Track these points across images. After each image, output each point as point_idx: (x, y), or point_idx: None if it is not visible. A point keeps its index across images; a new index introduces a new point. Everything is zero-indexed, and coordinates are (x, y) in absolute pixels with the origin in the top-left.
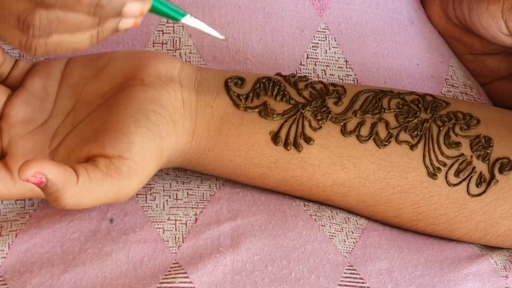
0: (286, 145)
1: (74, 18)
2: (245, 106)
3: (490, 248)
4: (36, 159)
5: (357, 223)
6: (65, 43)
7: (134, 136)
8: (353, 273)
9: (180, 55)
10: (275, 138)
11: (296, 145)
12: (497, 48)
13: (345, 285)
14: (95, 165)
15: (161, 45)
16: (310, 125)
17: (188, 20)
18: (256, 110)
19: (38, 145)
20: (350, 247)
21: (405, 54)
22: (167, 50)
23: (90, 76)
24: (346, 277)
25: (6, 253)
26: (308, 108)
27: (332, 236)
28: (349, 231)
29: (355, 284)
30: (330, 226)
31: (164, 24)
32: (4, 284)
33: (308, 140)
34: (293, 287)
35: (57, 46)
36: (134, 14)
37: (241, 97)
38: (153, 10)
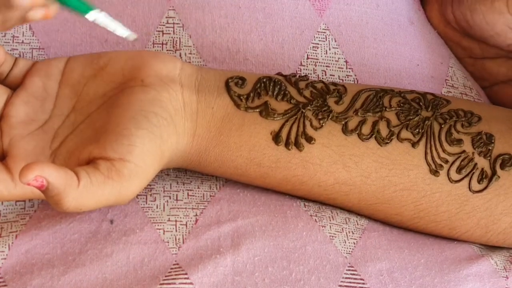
0: (287, 144)
1: None
2: (246, 106)
3: (490, 248)
4: (37, 162)
5: (358, 224)
6: None
7: (135, 138)
8: (354, 274)
9: (180, 55)
10: (276, 138)
11: (297, 145)
12: (497, 53)
13: (346, 286)
14: (96, 168)
15: (161, 45)
16: (311, 125)
17: (92, 15)
18: (257, 110)
19: (38, 146)
20: (350, 248)
21: (405, 54)
22: (167, 50)
23: (90, 75)
24: (346, 277)
25: (6, 254)
26: (309, 108)
27: (332, 236)
28: (349, 232)
29: (355, 284)
30: (330, 227)
31: (164, 25)
32: (4, 285)
33: (309, 139)
34: (294, 287)
35: None
36: (23, 5)
37: (242, 97)
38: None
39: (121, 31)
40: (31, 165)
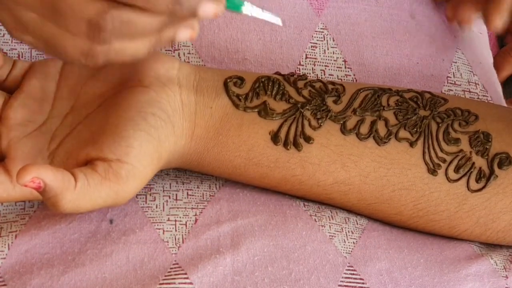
0: (286, 144)
1: (144, 21)
2: (244, 106)
3: (490, 248)
4: (34, 164)
5: (357, 223)
6: (126, 50)
7: (133, 140)
8: (353, 274)
9: (178, 55)
10: (274, 137)
11: (296, 145)
12: None
13: (345, 286)
14: (93, 169)
15: None
16: (309, 124)
17: (248, 9)
18: (256, 110)
19: (36, 147)
20: (350, 248)
21: (404, 52)
22: (165, 50)
23: (88, 76)
24: (346, 277)
25: (6, 254)
26: (307, 107)
27: (332, 236)
28: (349, 232)
29: (355, 284)
30: (330, 227)
31: None
32: (4, 285)
33: (308, 139)
34: (293, 287)
35: (118, 53)
36: (207, 16)
37: (240, 97)
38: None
39: (272, 18)
40: (28, 167)
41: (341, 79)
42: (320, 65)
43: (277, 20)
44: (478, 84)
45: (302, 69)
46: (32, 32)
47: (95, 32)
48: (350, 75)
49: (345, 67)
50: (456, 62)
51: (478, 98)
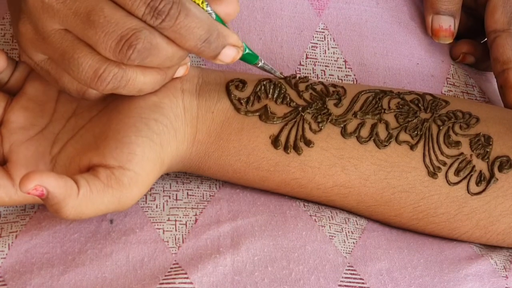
0: (286, 148)
1: (169, 51)
2: (245, 110)
3: (490, 248)
4: (37, 171)
5: (357, 224)
6: (135, 80)
7: (135, 146)
8: (353, 274)
9: None
10: (275, 141)
11: (296, 148)
12: None
13: (345, 286)
14: (96, 176)
15: None
16: (310, 128)
17: (260, 63)
18: (257, 114)
19: (39, 151)
20: (350, 248)
21: (404, 53)
22: None
23: None
24: (346, 277)
25: (6, 254)
26: (308, 111)
27: (332, 236)
28: (349, 232)
29: (355, 284)
30: (330, 227)
31: None
32: (4, 285)
33: (308, 143)
34: (293, 287)
35: (126, 82)
36: (227, 60)
37: (242, 101)
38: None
39: (277, 73)
40: (31, 174)
41: (342, 80)
42: (320, 65)
43: (280, 74)
44: (475, 87)
45: (303, 69)
46: (50, 46)
47: (124, 48)
48: (350, 75)
49: (346, 68)
50: (454, 65)
51: (476, 99)
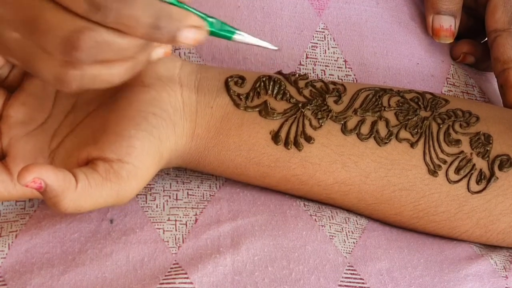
0: (286, 144)
1: (121, 43)
2: (245, 105)
3: (490, 248)
4: (36, 164)
5: (357, 223)
6: (101, 75)
7: (134, 140)
8: (353, 274)
9: (179, 54)
10: (275, 137)
11: (296, 144)
12: None
13: (345, 286)
14: (94, 169)
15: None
16: (310, 124)
17: (238, 37)
18: (257, 109)
19: (37, 146)
20: (350, 247)
21: (404, 53)
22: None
23: None
24: (346, 277)
25: (6, 254)
26: (308, 107)
27: (332, 236)
28: (349, 231)
29: (355, 284)
30: (330, 226)
31: None
32: (4, 285)
33: (308, 139)
34: (293, 287)
35: (92, 79)
36: (188, 42)
37: (241, 97)
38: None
39: (264, 43)
40: (29, 167)
41: (342, 79)
42: (320, 65)
43: (271, 46)
44: (475, 87)
45: (303, 69)
46: (13, 52)
47: (68, 50)
48: (350, 75)
49: (346, 67)
50: (454, 65)
51: (476, 99)
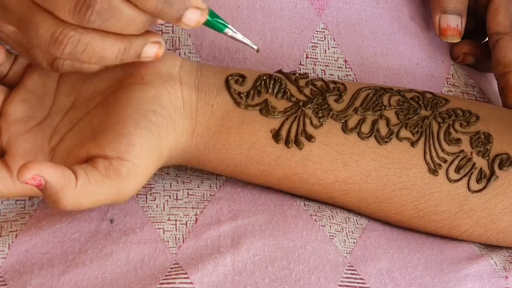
0: (287, 142)
1: (128, 14)
2: (246, 104)
3: (490, 248)
4: (35, 161)
5: (357, 223)
6: (94, 45)
7: (134, 137)
8: (354, 274)
9: (179, 54)
10: (276, 136)
11: (297, 143)
12: None
13: (346, 286)
14: (94, 167)
15: None
16: (311, 123)
17: (229, 31)
18: (257, 108)
19: (37, 144)
20: (350, 247)
21: (405, 53)
22: (166, 49)
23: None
24: (346, 277)
25: (6, 254)
26: (309, 106)
27: (332, 236)
28: (349, 231)
29: (355, 284)
30: (330, 226)
31: (163, 24)
32: (4, 285)
33: (309, 137)
34: (294, 287)
35: (86, 48)
36: (190, 24)
37: (241, 95)
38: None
39: (248, 41)
40: (29, 164)
41: (342, 79)
42: (320, 65)
43: (254, 46)
44: (475, 87)
45: (303, 69)
46: (11, 13)
47: (83, 9)
48: (350, 75)
49: (346, 67)
50: (454, 65)
51: (476, 99)
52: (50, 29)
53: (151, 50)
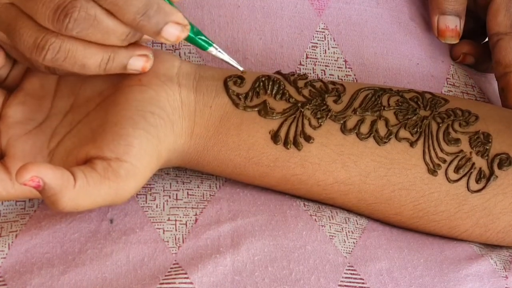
0: (286, 144)
1: (108, 24)
2: (244, 105)
3: (490, 248)
4: (34, 162)
5: (357, 223)
6: (75, 52)
7: (132, 138)
8: (353, 274)
9: (179, 55)
10: (275, 137)
11: (296, 144)
12: None
13: (345, 286)
14: (92, 168)
15: (160, 44)
16: (310, 124)
17: (213, 50)
18: (256, 109)
19: (36, 146)
20: (350, 248)
21: (405, 53)
22: (166, 49)
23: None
24: (346, 277)
25: (6, 254)
26: (307, 107)
27: (332, 236)
28: (349, 231)
29: (355, 284)
30: (330, 226)
31: None
32: (4, 285)
33: (308, 138)
34: (293, 287)
35: (67, 55)
36: (170, 39)
37: (240, 96)
38: (186, 38)
39: (234, 63)
40: (28, 166)
41: (342, 79)
42: (320, 65)
43: (240, 67)
44: (475, 87)
45: (303, 69)
46: (8, 48)
47: (61, 17)
48: (350, 75)
49: (346, 67)
50: (454, 65)
51: (476, 100)
52: (33, 35)
53: (137, 63)
